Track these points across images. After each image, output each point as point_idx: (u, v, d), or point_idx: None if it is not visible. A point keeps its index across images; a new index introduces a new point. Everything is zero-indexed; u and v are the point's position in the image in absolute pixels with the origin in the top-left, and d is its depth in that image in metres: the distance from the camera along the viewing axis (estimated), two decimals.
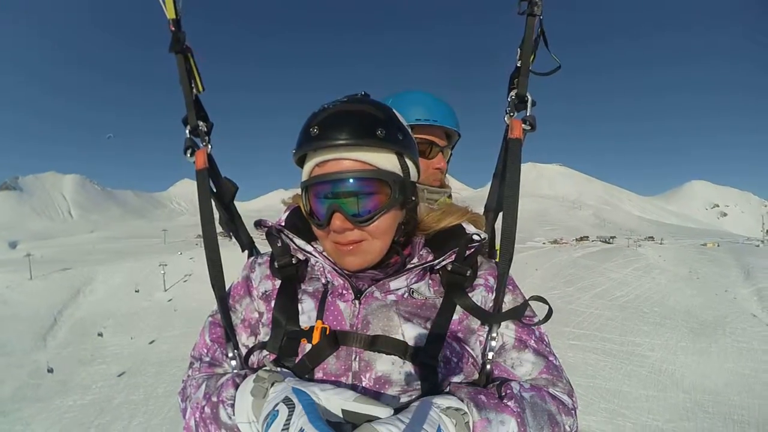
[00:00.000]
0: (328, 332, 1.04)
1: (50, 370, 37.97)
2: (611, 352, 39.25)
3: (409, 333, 1.04)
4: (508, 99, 1.39)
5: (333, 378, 1.01)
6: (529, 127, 1.33)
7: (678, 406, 31.32)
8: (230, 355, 1.19)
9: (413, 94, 1.89)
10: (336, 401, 0.86)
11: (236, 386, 1.01)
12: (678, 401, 31.93)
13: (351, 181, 1.04)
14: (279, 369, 0.99)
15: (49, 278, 67.86)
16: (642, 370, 35.77)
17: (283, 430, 0.79)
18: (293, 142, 1.13)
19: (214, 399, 1.02)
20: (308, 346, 1.04)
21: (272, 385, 0.91)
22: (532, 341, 1.13)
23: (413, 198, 1.14)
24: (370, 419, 0.83)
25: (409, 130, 1.16)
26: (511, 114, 1.39)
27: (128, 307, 53.68)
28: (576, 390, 1.14)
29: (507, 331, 1.13)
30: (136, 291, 55.74)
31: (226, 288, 1.31)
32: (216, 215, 1.52)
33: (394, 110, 1.14)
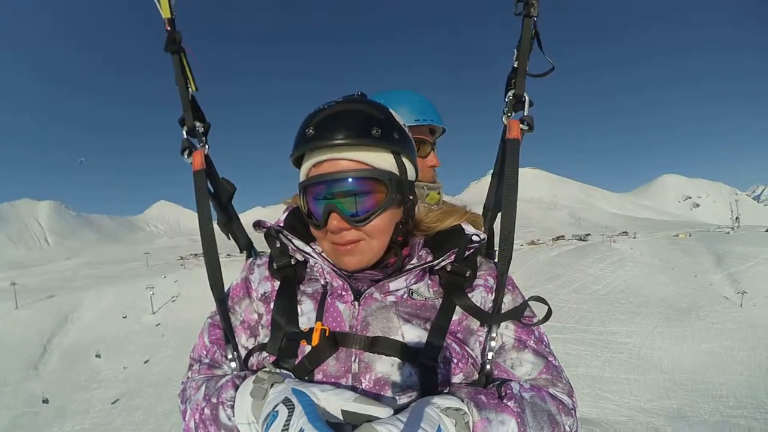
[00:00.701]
0: (327, 334, 1.03)
1: (45, 401, 38.21)
2: (591, 341, 41.37)
3: (409, 334, 1.04)
4: (506, 100, 1.39)
5: (333, 379, 1.01)
6: (527, 128, 1.33)
7: (658, 386, 33.24)
8: (229, 356, 1.19)
9: (401, 93, 1.89)
10: (336, 402, 0.86)
11: (236, 387, 1.01)
12: (658, 382, 33.85)
13: (347, 180, 1.04)
14: (279, 370, 1.00)
15: (35, 306, 67.59)
16: (621, 356, 37.87)
17: (282, 430, 0.79)
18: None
19: (214, 400, 1.02)
20: (308, 348, 1.03)
21: (272, 386, 0.91)
22: (532, 341, 1.13)
23: (411, 197, 1.15)
24: (370, 419, 0.83)
25: (407, 130, 1.16)
26: (509, 114, 1.38)
27: (117, 331, 53.82)
28: None
29: (506, 331, 1.13)
30: (123, 317, 55.53)
31: (225, 289, 1.31)
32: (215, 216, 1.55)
33: (391, 110, 1.15)
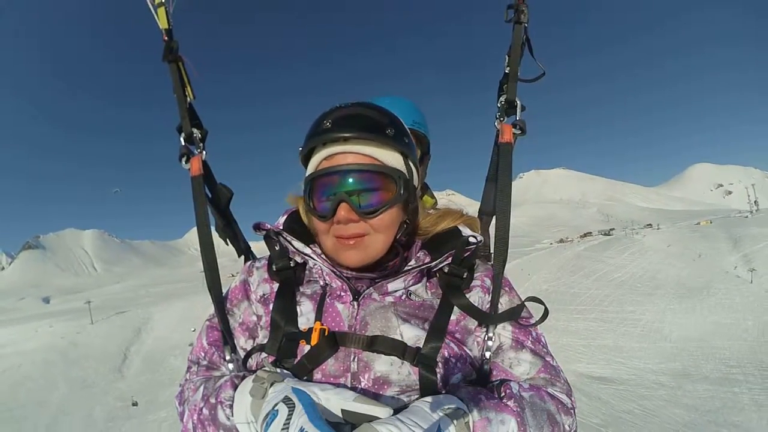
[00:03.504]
0: (326, 333, 1.03)
1: (135, 404, 43.79)
2: (608, 319, 46.65)
3: (408, 333, 1.03)
4: (498, 104, 1.39)
5: (332, 379, 1.00)
6: (519, 131, 1.32)
7: (666, 352, 38.72)
8: (228, 358, 1.20)
9: (392, 99, 1.92)
10: (336, 401, 0.86)
11: (234, 387, 1.01)
12: (666, 349, 39.33)
13: (360, 173, 1.05)
14: (278, 369, 0.99)
15: (109, 321, 77.24)
16: (635, 330, 43.22)
17: (282, 429, 0.78)
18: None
19: (212, 400, 1.02)
20: (307, 348, 1.03)
21: (271, 385, 0.90)
22: (529, 342, 1.13)
23: (414, 200, 1.17)
24: (370, 419, 0.82)
25: (412, 138, 1.18)
26: (502, 119, 1.38)
27: (189, 339, 59.86)
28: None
29: (504, 331, 1.13)
30: (192, 330, 60.76)
31: (223, 293, 1.31)
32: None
33: (399, 118, 1.17)
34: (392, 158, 1.09)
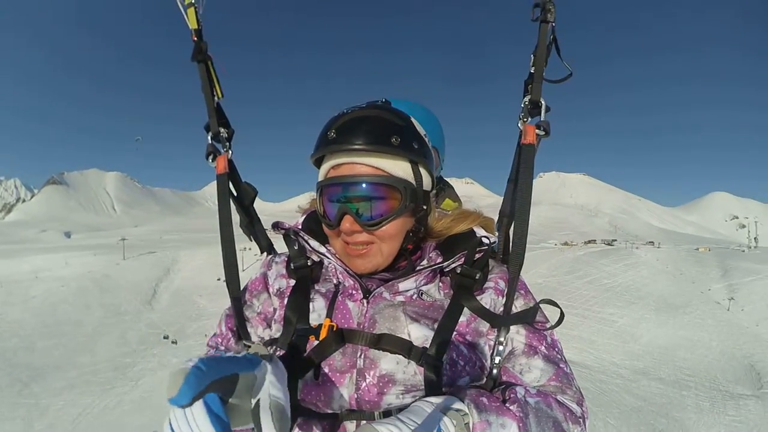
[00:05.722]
0: (335, 329, 1.04)
1: (167, 337, 48.28)
2: (589, 316, 52.19)
3: (415, 333, 1.03)
4: (522, 105, 1.33)
5: (338, 374, 1.02)
6: (543, 133, 1.27)
7: (632, 352, 44.15)
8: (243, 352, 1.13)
9: (403, 105, 1.71)
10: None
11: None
12: (633, 350, 44.72)
13: (363, 185, 1.06)
14: (267, 348, 0.98)
15: (140, 259, 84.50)
16: (610, 329, 48.71)
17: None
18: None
19: None
20: (316, 343, 1.04)
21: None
22: (543, 347, 1.10)
23: (424, 207, 1.16)
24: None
25: (427, 140, 1.17)
26: (525, 120, 1.32)
27: (213, 282, 66.19)
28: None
29: (517, 336, 1.11)
30: (217, 279, 64.60)
31: (242, 287, 1.33)
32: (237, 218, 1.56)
33: (413, 118, 1.16)
34: (398, 167, 1.08)
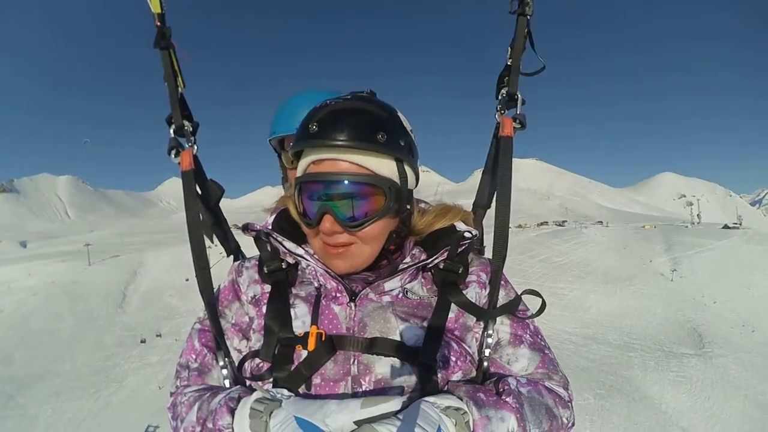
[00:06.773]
0: (324, 338, 0.99)
1: (144, 341, 49.12)
2: (541, 291, 52.68)
3: (407, 334, 1.01)
4: (498, 97, 1.33)
5: (332, 383, 0.98)
6: (519, 125, 1.27)
7: (582, 321, 48.25)
8: (221, 363, 1.13)
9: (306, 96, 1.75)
10: (344, 418, 0.83)
11: (231, 412, 0.94)
12: (583, 319, 48.80)
13: (345, 183, 0.99)
14: (273, 391, 0.95)
15: (106, 263, 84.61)
16: (561, 302, 52.76)
17: None
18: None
19: (210, 425, 0.96)
20: (304, 353, 0.99)
21: (270, 415, 0.86)
22: (528, 336, 1.11)
23: (408, 206, 1.11)
24: (387, 417, 0.83)
25: (413, 136, 1.11)
26: (502, 112, 1.31)
27: (183, 283, 67.17)
28: None
29: (502, 326, 1.11)
30: (186, 279, 66.77)
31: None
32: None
33: (399, 113, 1.10)
34: (384, 166, 1.02)
